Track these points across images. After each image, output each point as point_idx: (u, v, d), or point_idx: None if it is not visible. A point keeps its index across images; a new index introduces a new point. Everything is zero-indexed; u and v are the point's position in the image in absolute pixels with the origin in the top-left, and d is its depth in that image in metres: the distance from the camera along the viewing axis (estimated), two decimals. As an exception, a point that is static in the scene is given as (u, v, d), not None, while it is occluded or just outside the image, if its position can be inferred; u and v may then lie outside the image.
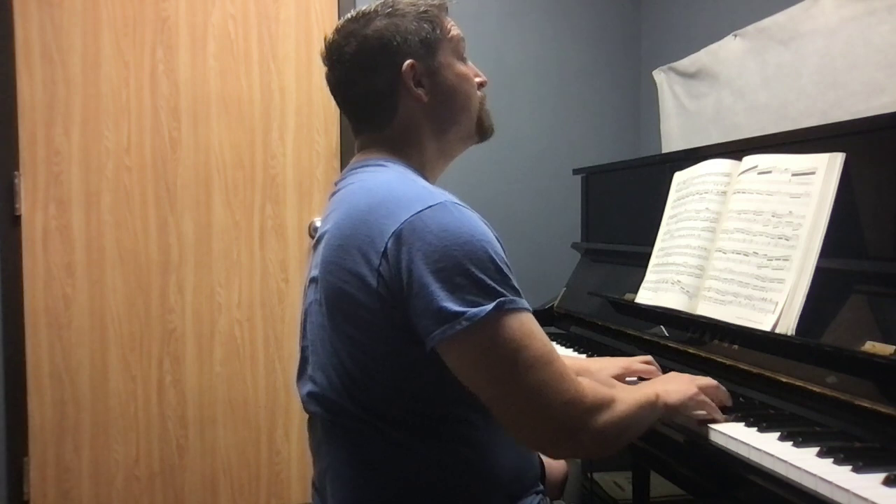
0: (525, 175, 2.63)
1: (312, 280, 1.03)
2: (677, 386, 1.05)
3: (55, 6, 2.23)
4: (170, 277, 2.34)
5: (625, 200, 1.98)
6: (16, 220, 2.21)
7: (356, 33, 1.05)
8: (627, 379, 1.31)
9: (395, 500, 0.97)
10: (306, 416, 1.09)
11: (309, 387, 1.02)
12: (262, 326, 2.42)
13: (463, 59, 1.11)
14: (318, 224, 2.37)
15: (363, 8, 1.07)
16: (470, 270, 0.87)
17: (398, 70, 1.04)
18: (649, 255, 1.57)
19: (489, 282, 0.87)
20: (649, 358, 1.35)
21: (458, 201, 0.94)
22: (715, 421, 1.05)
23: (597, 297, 1.80)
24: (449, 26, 1.10)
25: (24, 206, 2.22)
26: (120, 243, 2.30)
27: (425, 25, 1.06)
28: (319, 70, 2.42)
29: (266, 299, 2.42)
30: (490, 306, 0.86)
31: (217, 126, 2.37)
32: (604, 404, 0.90)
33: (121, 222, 2.30)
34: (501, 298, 0.87)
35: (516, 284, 0.91)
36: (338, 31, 1.08)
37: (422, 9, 1.07)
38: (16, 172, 2.20)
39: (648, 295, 1.52)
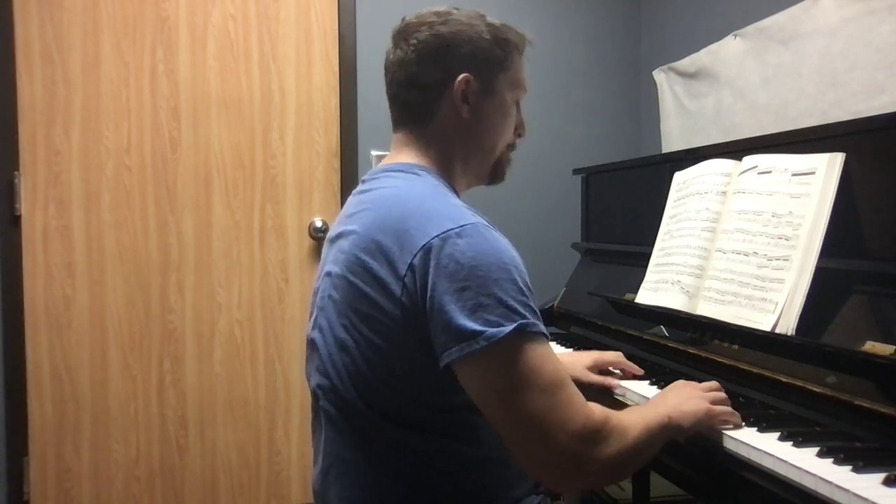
0: (525, 175, 2.62)
1: (328, 274, 1.03)
2: (689, 407, 1.02)
3: (55, 6, 2.23)
4: (170, 277, 2.34)
5: (625, 200, 1.98)
6: (16, 220, 2.21)
7: (433, 24, 1.06)
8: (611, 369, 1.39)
9: (400, 499, 0.97)
10: (309, 413, 1.09)
11: (318, 379, 1.03)
12: (262, 326, 2.42)
13: (514, 104, 1.13)
14: (318, 222, 2.39)
15: (453, 7, 1.09)
16: (493, 292, 0.87)
17: (452, 76, 1.05)
18: (649, 255, 1.57)
19: (512, 303, 0.87)
20: (619, 353, 1.42)
21: (489, 223, 0.94)
22: (735, 427, 1.03)
23: (597, 297, 1.80)
24: (518, 67, 1.11)
25: (24, 206, 2.22)
26: (120, 243, 2.30)
27: (498, 51, 1.08)
28: (319, 70, 2.44)
29: (266, 299, 2.42)
30: (510, 328, 0.86)
31: (217, 126, 2.37)
32: (615, 432, 0.89)
33: (121, 222, 2.30)
34: (522, 321, 0.87)
35: (536, 309, 0.91)
36: (418, 16, 1.08)
37: (503, 35, 1.09)
38: (16, 172, 2.20)
39: (648, 295, 1.52)
